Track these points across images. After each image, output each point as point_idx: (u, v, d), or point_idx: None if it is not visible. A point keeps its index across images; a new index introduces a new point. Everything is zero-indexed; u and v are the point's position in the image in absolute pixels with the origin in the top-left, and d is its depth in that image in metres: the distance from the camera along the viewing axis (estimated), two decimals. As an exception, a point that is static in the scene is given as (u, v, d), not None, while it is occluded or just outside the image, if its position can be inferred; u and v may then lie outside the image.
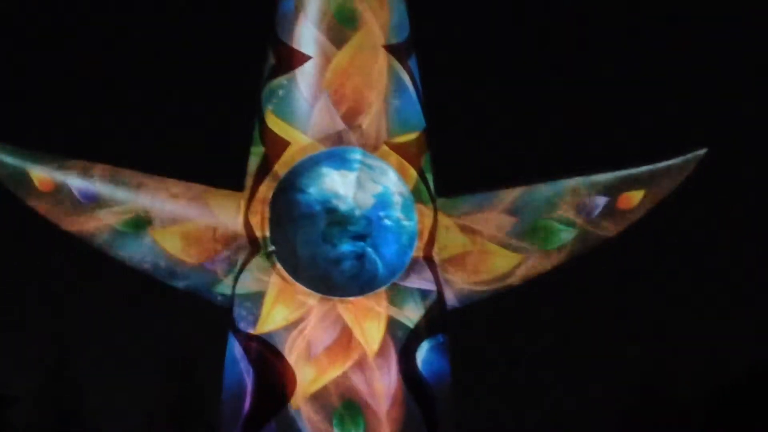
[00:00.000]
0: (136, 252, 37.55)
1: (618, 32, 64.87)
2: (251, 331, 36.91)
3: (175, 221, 37.58)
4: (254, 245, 37.37)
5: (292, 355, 36.43)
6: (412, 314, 37.24)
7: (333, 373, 36.28)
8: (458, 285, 38.64)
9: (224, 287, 37.69)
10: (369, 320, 36.76)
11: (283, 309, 36.93)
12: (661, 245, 57.11)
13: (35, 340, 55.01)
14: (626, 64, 64.05)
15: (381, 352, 36.66)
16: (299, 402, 36.21)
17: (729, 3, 63.24)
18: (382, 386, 36.56)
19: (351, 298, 36.80)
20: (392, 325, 36.93)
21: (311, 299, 36.76)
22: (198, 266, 37.59)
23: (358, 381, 36.40)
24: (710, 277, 58.21)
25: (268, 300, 37.08)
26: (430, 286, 37.81)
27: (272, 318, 36.91)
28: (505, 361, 56.86)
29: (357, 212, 37.06)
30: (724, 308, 57.50)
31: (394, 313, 36.97)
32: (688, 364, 54.69)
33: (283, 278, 36.87)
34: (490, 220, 38.52)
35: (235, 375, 37.05)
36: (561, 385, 56.07)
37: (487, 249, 38.55)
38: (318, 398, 36.26)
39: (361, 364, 36.51)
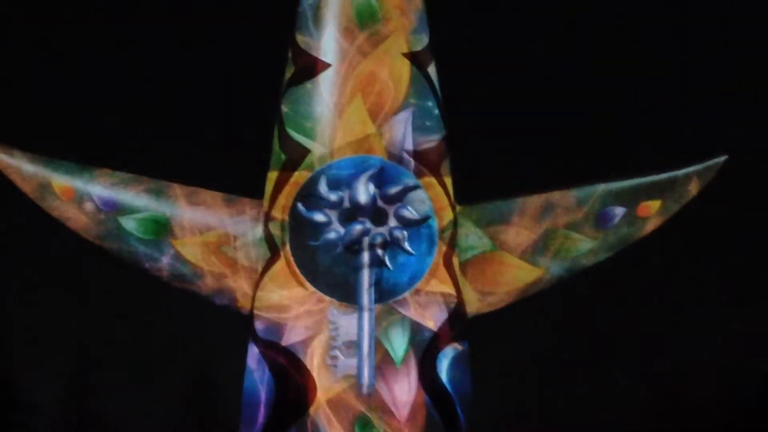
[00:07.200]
0: (157, 260, 37.86)
1: (639, 40, 64.80)
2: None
3: (195, 230, 37.74)
4: (274, 252, 37.51)
5: (312, 362, 36.59)
6: (430, 321, 37.27)
7: (347, 380, 36.46)
8: (477, 296, 38.75)
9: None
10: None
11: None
12: (681, 252, 56.90)
13: (58, 348, 55.20)
14: (648, 72, 63.94)
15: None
16: (320, 409, 36.33)
17: (749, 9, 63.11)
18: (402, 393, 36.64)
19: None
20: (411, 332, 37.08)
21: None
22: (217, 271, 37.90)
23: (377, 387, 36.48)
24: (730, 281, 58.00)
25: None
26: (451, 293, 37.83)
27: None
28: (523, 365, 56.82)
29: (376, 220, 37.08)
30: (746, 312, 57.27)
31: (411, 320, 37.09)
32: (709, 368, 54.53)
33: (299, 281, 37.03)
34: (510, 229, 38.46)
35: (251, 384, 37.18)
36: (580, 390, 55.99)
37: (507, 261, 38.54)
38: (338, 404, 36.39)
39: (381, 371, 36.59)
